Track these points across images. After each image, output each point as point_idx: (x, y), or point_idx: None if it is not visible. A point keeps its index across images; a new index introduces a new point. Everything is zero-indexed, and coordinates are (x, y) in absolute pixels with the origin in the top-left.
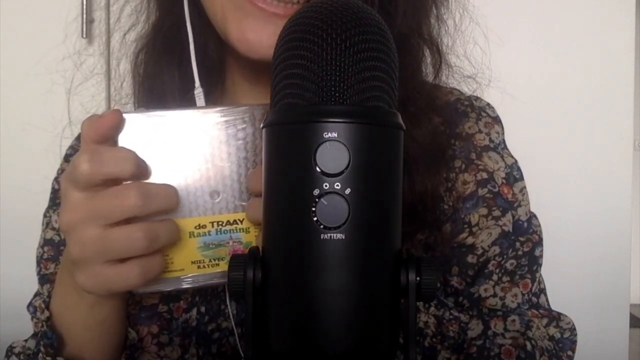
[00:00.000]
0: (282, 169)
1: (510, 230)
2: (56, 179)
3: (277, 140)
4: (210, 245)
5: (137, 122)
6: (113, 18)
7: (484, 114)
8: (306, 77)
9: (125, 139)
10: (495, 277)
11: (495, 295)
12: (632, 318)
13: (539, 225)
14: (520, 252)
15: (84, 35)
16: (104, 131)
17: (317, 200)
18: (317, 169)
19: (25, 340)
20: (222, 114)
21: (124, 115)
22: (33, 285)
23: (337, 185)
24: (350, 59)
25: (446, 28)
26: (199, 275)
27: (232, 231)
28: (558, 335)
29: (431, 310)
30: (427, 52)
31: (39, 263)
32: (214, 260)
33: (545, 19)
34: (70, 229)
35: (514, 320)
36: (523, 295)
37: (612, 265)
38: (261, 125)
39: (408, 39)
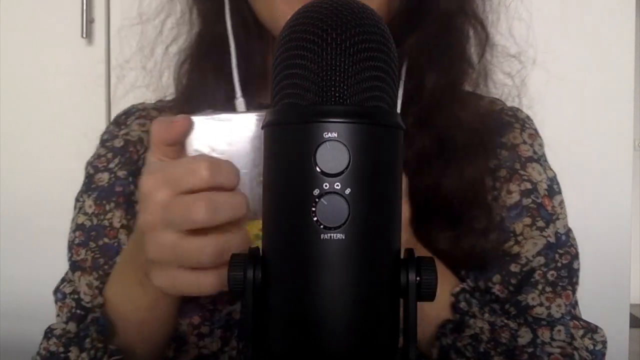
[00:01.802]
0: (282, 169)
1: (554, 241)
2: (91, 164)
3: (277, 140)
4: None
5: (205, 125)
6: (154, 32)
7: (527, 125)
8: (306, 77)
9: (193, 141)
10: (540, 287)
11: (541, 304)
12: (632, 318)
13: (575, 239)
14: (559, 264)
15: (84, 35)
16: (175, 136)
17: (317, 200)
18: (317, 169)
19: (65, 323)
20: None
21: (193, 118)
22: (33, 285)
23: (337, 185)
24: (350, 59)
25: (490, 4)
26: None
27: None
28: (591, 347)
29: (485, 316)
30: (471, 34)
31: (70, 249)
32: None
33: (544, 19)
34: (149, 231)
35: (559, 330)
36: (565, 305)
37: (612, 265)
38: (261, 126)
39: (452, 18)
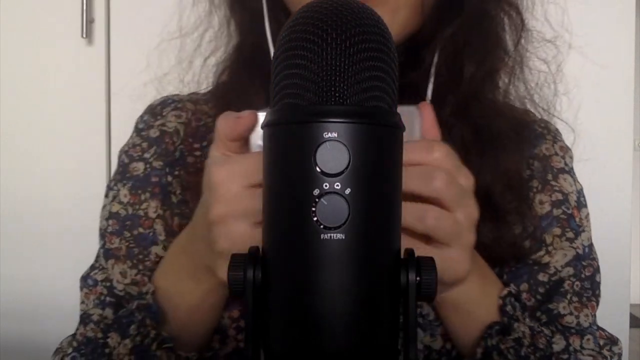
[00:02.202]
0: (282, 169)
1: (581, 253)
2: (126, 153)
3: (277, 140)
4: None
5: None
6: (193, 45)
7: (558, 138)
8: (306, 77)
9: (257, 136)
10: (569, 297)
11: (571, 313)
12: (632, 318)
13: (596, 253)
14: (583, 276)
15: (84, 35)
16: (241, 131)
17: (317, 200)
18: (317, 169)
19: (102, 309)
20: None
21: (258, 114)
22: (33, 285)
23: (337, 185)
24: (350, 59)
25: None
26: None
27: None
28: (608, 358)
29: (526, 321)
30: (506, 20)
31: (102, 236)
32: None
33: (543, 19)
34: (221, 222)
35: (588, 339)
36: (592, 316)
37: (612, 265)
38: (260, 125)
39: (487, 6)
